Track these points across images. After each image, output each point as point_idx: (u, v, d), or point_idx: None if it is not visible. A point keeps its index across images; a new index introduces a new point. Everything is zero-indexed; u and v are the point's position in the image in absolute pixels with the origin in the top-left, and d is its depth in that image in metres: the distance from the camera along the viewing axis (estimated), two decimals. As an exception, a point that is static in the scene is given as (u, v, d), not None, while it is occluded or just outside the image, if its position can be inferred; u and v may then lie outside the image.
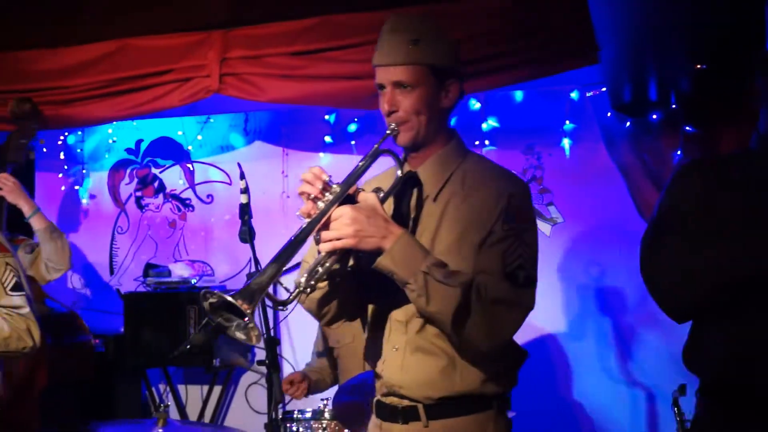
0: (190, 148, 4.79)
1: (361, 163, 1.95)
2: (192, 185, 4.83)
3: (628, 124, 3.79)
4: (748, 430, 1.92)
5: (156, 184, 4.88)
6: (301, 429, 3.25)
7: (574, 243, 4.05)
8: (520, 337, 2.15)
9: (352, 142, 4.44)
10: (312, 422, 3.27)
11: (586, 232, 4.02)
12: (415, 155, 2.05)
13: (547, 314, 3.95)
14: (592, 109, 3.97)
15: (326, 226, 1.82)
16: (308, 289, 1.83)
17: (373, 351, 2.13)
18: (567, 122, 4.00)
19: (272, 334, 2.73)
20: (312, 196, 1.84)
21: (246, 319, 1.70)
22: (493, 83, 3.47)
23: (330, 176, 1.87)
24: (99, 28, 3.94)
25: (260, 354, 3.74)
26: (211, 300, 1.73)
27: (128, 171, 4.93)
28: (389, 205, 2.05)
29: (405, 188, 2.06)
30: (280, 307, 1.82)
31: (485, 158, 2.17)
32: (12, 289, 2.69)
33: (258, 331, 1.74)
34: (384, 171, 2.14)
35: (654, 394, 3.71)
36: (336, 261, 1.90)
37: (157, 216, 4.87)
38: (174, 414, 4.08)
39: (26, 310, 2.68)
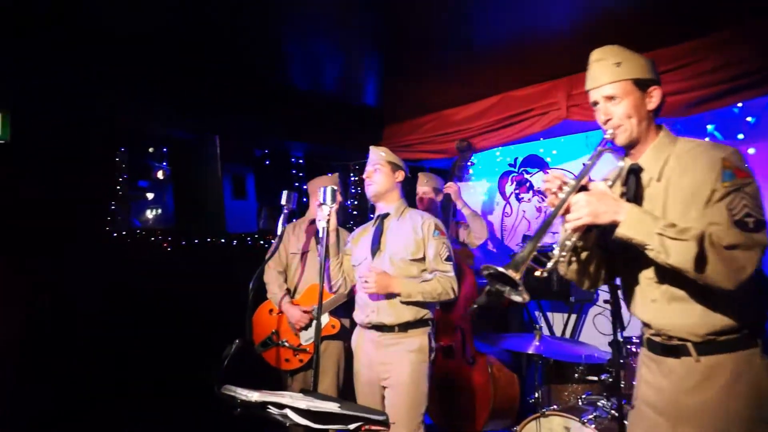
0: (548, 159, 5.27)
1: (588, 162, 1.95)
2: (549, 184, 5.18)
3: None
4: None
5: (527, 185, 5.41)
6: (633, 348, 3.22)
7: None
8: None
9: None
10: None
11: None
12: (633, 151, 2.04)
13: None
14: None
15: (568, 212, 1.85)
16: (560, 259, 1.83)
17: (635, 304, 2.08)
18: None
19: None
20: (553, 190, 1.91)
21: (517, 283, 1.72)
22: (755, 94, 3.51)
23: (567, 177, 1.90)
24: (487, 88, 4.53)
25: (604, 295, 4.23)
26: (489, 272, 1.76)
27: (509, 177, 5.55)
28: (618, 192, 2.01)
29: (630, 177, 2.03)
30: (542, 274, 1.79)
31: (693, 139, 2.03)
32: (445, 260, 3.11)
33: (527, 294, 1.72)
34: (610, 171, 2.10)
35: None
36: (580, 237, 1.91)
37: (530, 205, 5.39)
38: (545, 332, 4.04)
39: (451, 274, 3.08)
